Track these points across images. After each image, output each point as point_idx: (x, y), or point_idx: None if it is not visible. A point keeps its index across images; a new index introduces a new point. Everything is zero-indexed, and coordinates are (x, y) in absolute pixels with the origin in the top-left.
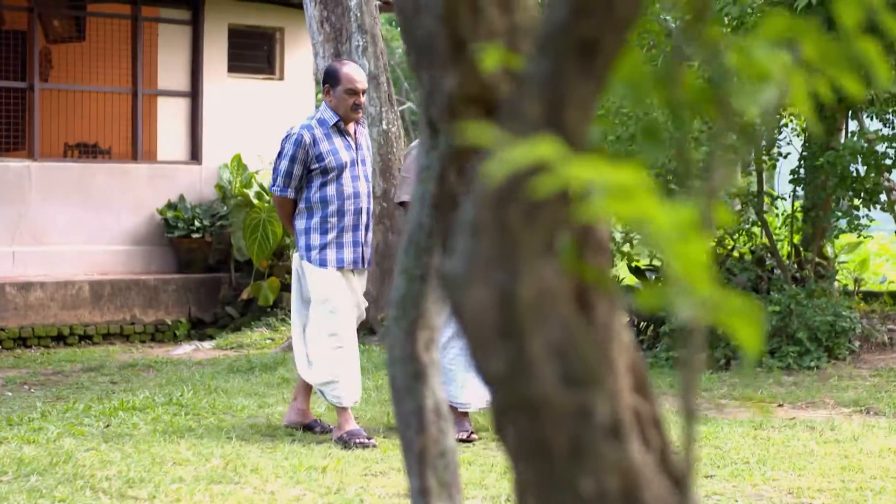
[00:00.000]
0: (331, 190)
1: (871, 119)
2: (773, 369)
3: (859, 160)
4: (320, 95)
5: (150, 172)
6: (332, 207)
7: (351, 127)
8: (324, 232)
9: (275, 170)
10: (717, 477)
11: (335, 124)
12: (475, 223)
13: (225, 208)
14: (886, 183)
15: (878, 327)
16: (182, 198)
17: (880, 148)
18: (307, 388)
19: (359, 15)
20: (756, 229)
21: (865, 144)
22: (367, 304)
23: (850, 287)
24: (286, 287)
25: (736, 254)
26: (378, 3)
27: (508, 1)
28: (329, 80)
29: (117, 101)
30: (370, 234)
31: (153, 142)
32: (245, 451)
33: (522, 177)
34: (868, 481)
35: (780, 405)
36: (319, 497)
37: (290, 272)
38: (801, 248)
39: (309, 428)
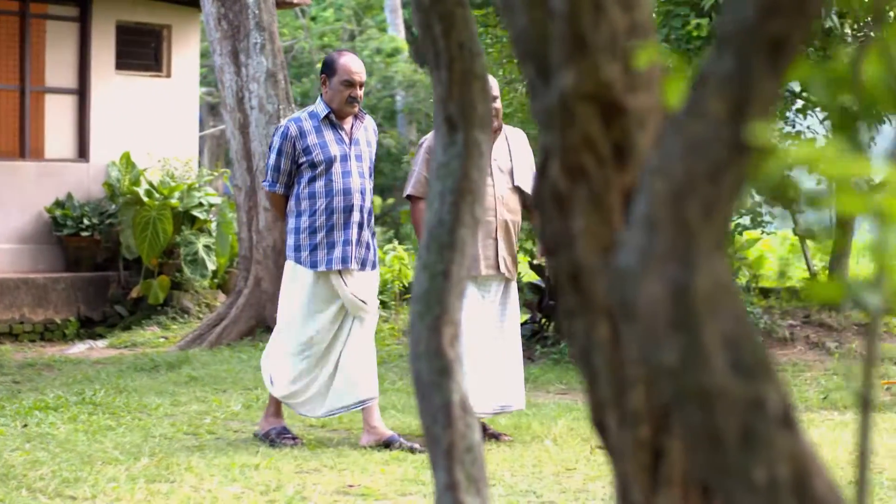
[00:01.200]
0: (319, 185)
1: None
2: None
3: None
4: (213, 95)
5: (38, 170)
6: (321, 204)
7: (348, 121)
8: (313, 231)
9: (266, 165)
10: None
11: (326, 116)
12: (651, 218)
13: (113, 206)
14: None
15: (779, 323)
16: (70, 196)
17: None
18: (372, 409)
19: (257, 12)
20: None
21: None
22: (376, 303)
23: (750, 283)
24: (176, 285)
25: None
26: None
27: (629, 0)
28: (326, 70)
29: (4, 98)
30: (367, 233)
31: (41, 139)
32: (171, 449)
33: (702, 173)
34: None
35: None
36: (260, 495)
37: (180, 270)
38: None
39: (388, 444)
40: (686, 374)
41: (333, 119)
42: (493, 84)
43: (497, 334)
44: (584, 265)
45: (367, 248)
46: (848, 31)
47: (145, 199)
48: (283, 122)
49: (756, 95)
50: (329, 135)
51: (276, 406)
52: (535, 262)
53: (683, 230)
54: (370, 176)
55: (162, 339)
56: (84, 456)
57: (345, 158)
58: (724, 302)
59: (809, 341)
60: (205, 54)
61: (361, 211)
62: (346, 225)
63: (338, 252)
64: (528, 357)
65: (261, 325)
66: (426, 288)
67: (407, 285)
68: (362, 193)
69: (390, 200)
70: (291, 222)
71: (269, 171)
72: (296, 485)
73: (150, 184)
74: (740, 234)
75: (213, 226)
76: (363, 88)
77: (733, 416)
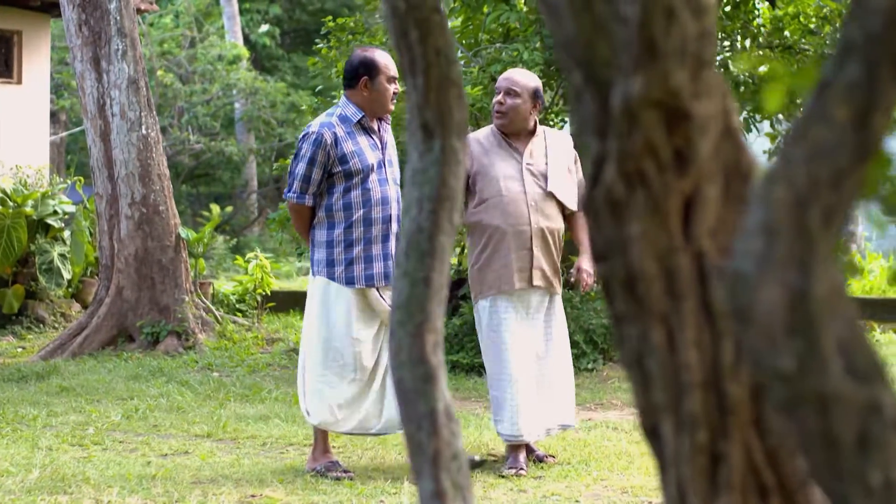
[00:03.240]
0: (356, 196)
1: None
2: None
3: None
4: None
5: None
6: (358, 215)
7: (376, 124)
8: (349, 244)
9: (290, 173)
10: (546, 478)
11: (360, 121)
12: (770, 225)
13: None
14: None
15: None
16: None
17: None
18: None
19: (118, 18)
20: None
21: None
22: None
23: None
24: (30, 294)
25: None
26: (136, 6)
27: (700, 6)
28: (366, 70)
29: None
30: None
31: None
32: (62, 461)
33: (825, 179)
34: None
35: None
36: None
37: (35, 279)
38: (568, 253)
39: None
40: (803, 378)
41: (366, 123)
42: (521, 78)
43: (544, 353)
44: (639, 271)
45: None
46: None
47: None
48: (313, 127)
49: (881, 103)
50: (363, 141)
51: (323, 441)
52: None
53: (803, 236)
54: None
55: (19, 350)
56: None
57: (380, 166)
58: (840, 307)
59: None
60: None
61: (399, 221)
62: (386, 238)
63: (378, 267)
64: None
65: (122, 335)
66: (407, 295)
67: (269, 293)
68: (398, 202)
69: (228, 209)
70: (321, 235)
71: (297, 181)
72: (197, 495)
73: (4, 192)
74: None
75: (66, 234)
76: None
77: (849, 419)
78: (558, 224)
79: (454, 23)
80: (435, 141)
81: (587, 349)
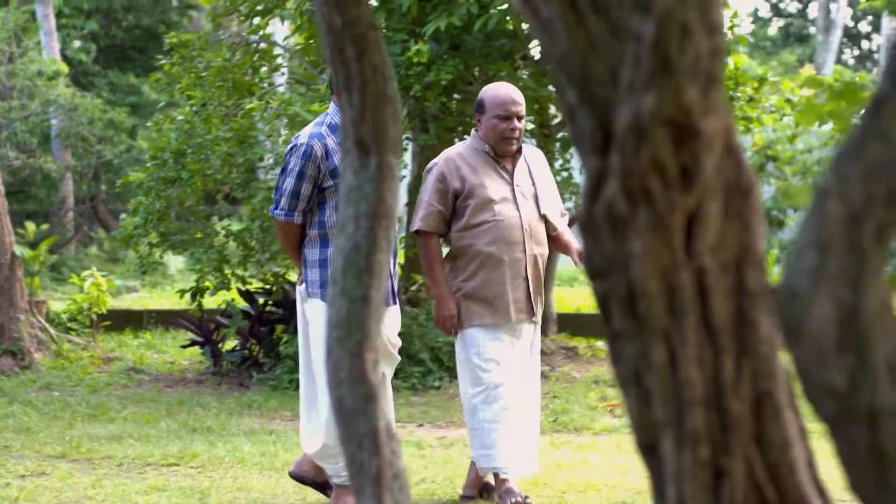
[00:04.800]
0: None
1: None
2: (400, 390)
3: None
4: None
5: None
6: None
7: None
8: None
9: (277, 189)
10: (412, 495)
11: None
12: (823, 241)
13: None
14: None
15: None
16: None
17: None
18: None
19: None
20: None
21: None
22: (399, 344)
23: None
24: None
25: None
26: None
27: (713, 24)
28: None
29: None
30: (396, 264)
31: None
32: None
33: (879, 196)
34: (560, 495)
35: (419, 425)
36: None
37: None
38: (410, 271)
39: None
40: (853, 394)
41: None
42: (519, 99)
43: (524, 384)
44: (641, 288)
45: (396, 279)
46: None
47: None
48: (302, 138)
49: None
50: None
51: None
52: (245, 288)
53: (856, 253)
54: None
55: None
56: None
57: None
58: (889, 322)
59: None
60: None
61: (395, 240)
62: None
63: None
64: (243, 384)
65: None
66: (345, 313)
67: (105, 312)
68: (399, 220)
69: (45, 226)
70: (313, 254)
71: (284, 197)
72: None
73: None
74: None
75: None
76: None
77: None
78: (546, 250)
79: (297, 39)
80: (371, 158)
81: (433, 367)
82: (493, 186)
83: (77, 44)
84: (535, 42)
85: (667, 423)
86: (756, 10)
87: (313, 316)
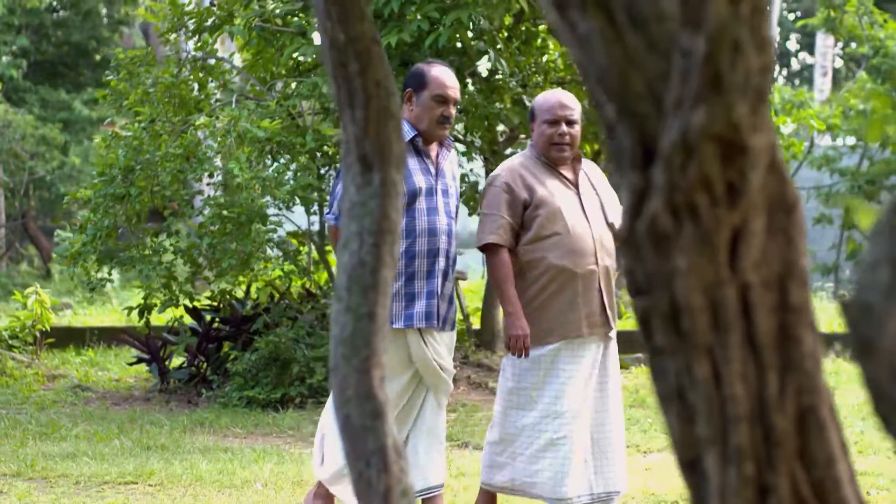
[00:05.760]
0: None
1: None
2: None
3: None
4: None
5: None
6: (401, 246)
7: (433, 148)
8: None
9: (332, 193)
10: None
11: (411, 141)
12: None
13: None
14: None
15: None
16: None
17: None
18: (437, 500)
19: None
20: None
21: None
22: (454, 371)
23: None
24: None
25: (294, 292)
26: None
27: (764, 40)
28: (413, 83)
29: None
30: (450, 285)
31: None
32: None
33: None
34: None
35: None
36: None
37: None
38: None
39: None
40: None
41: (419, 144)
42: (574, 103)
43: (599, 405)
44: (685, 304)
45: (450, 302)
46: None
47: None
48: None
49: None
50: (413, 162)
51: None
52: (192, 305)
53: None
54: (456, 216)
55: None
56: None
57: (430, 192)
58: None
59: (471, 381)
60: None
61: (447, 257)
62: (431, 273)
63: (420, 306)
64: (191, 402)
65: None
66: (352, 330)
67: (48, 329)
68: (449, 236)
69: None
70: None
71: (337, 202)
72: None
73: None
74: None
75: None
76: (457, 107)
77: None
78: (615, 261)
79: (244, 54)
80: (374, 174)
81: None
82: (561, 196)
83: (7, 60)
84: (483, 59)
85: (711, 440)
86: None
87: None
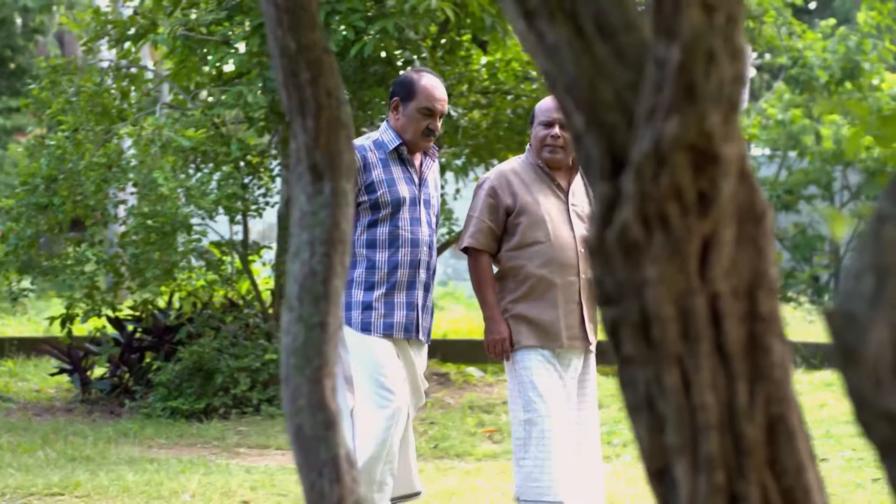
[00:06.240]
0: (382, 232)
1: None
2: (276, 416)
3: None
4: None
5: None
6: (383, 255)
7: (417, 158)
8: (369, 287)
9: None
10: None
11: (396, 149)
12: (880, 265)
13: None
14: None
15: None
16: None
17: None
18: None
19: None
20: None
21: None
22: (427, 385)
23: None
24: None
25: (217, 302)
26: None
27: (737, 50)
28: (400, 91)
29: None
30: (430, 298)
31: None
32: None
33: None
34: None
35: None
36: None
37: None
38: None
39: None
40: None
41: (404, 153)
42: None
43: (575, 419)
44: (655, 313)
45: (430, 315)
46: None
47: None
48: None
49: None
50: (397, 171)
51: None
52: (114, 315)
53: None
54: (437, 227)
55: None
56: None
57: (414, 202)
58: None
59: None
60: None
61: (428, 269)
62: (412, 285)
63: (399, 316)
64: (114, 412)
65: None
66: (303, 340)
67: None
68: (430, 248)
69: None
70: None
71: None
72: None
73: None
74: None
75: None
76: (441, 120)
77: None
78: None
79: (167, 63)
80: (325, 183)
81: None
82: (547, 204)
83: None
84: (408, 69)
85: (681, 449)
86: None
87: (343, 342)
